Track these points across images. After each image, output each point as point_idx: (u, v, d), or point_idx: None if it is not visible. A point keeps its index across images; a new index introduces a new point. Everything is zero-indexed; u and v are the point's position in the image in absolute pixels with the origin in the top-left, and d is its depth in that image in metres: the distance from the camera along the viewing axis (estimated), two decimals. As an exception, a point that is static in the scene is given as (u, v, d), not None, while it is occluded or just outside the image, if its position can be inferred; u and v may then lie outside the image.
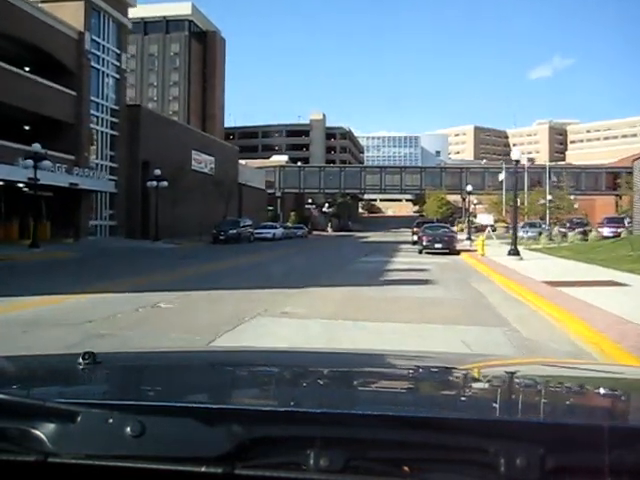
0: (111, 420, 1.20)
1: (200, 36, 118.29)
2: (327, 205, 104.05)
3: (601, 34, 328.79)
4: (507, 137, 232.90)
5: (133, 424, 1.17)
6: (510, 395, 1.77)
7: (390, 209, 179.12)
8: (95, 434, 1.20)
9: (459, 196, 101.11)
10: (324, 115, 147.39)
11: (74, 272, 19.19)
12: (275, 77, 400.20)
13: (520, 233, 47.88)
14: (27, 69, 36.88)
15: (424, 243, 30.87)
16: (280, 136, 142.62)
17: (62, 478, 1.20)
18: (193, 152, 54.99)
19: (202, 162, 56.99)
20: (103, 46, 42.76)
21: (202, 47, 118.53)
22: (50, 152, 35.79)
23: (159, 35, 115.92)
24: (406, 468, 1.12)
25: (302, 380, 1.94)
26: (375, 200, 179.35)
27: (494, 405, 1.62)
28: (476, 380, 1.99)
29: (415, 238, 40.97)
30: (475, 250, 31.72)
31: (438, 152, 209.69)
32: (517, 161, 27.42)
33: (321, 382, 1.93)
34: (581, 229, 45.66)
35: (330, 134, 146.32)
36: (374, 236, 74.08)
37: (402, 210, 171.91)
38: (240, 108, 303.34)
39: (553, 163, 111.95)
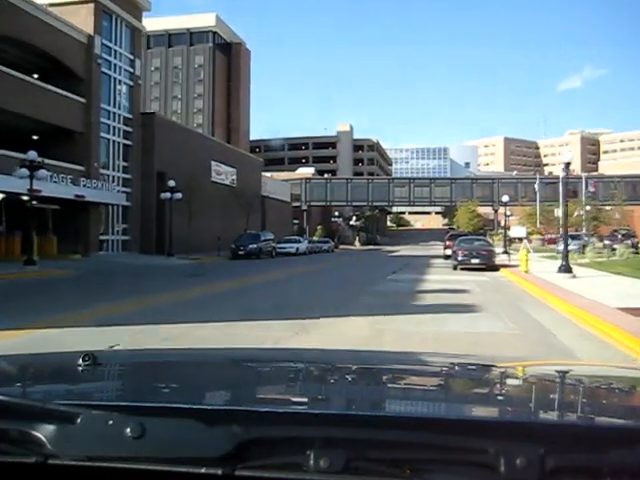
0: (111, 421, 1.21)
1: (224, 48, 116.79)
2: (354, 218, 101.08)
3: (633, 44, 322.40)
4: (538, 148, 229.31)
5: (133, 425, 1.18)
6: (510, 395, 1.80)
7: (419, 222, 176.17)
8: (95, 435, 1.20)
9: (489, 208, 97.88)
10: (351, 127, 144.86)
11: (51, 296, 16.42)
12: (302, 89, 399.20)
13: (562, 246, 44.68)
14: (35, 76, 34.76)
15: (459, 258, 27.85)
16: (307, 148, 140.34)
17: (62, 479, 1.21)
18: (213, 163, 52.53)
19: (222, 173, 54.53)
20: (115, 51, 40.44)
21: (227, 59, 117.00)
22: (56, 162, 33.58)
23: (183, 47, 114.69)
24: (406, 468, 1.13)
25: (302, 380, 1.96)
26: (403, 213, 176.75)
27: (494, 405, 1.66)
28: (476, 381, 1.99)
29: (448, 252, 38.11)
30: (516, 265, 28.71)
31: (467, 164, 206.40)
32: (568, 163, 24.37)
33: (321, 382, 1.93)
34: (629, 241, 42.27)
35: (358, 146, 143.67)
36: (403, 250, 71.07)
37: (431, 223, 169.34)
38: (266, 120, 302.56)
39: (586, 173, 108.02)
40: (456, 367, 2.17)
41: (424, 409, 1.61)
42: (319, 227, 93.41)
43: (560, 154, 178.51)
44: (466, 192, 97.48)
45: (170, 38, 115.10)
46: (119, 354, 2.58)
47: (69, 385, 1.79)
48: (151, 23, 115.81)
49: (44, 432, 1.20)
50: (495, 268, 27.76)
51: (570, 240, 47.05)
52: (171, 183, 37.29)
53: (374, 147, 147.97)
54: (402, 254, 55.89)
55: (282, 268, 30.47)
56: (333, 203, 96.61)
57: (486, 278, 23.37)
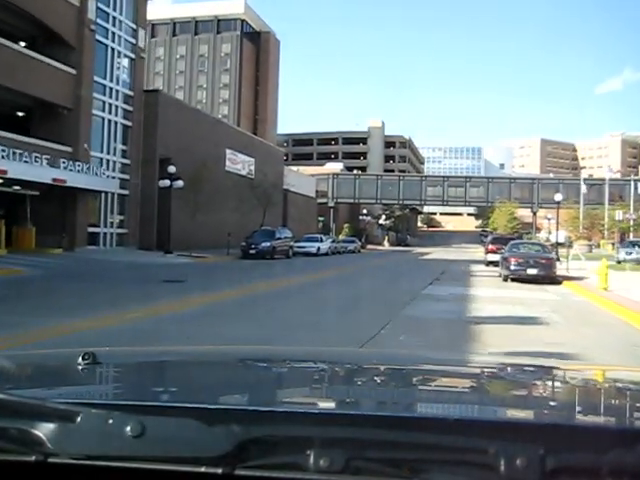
0: (111, 420, 1.20)
1: (253, 37, 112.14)
2: (384, 217, 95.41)
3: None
4: (575, 150, 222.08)
5: (133, 424, 1.17)
6: (510, 395, 1.80)
7: (450, 223, 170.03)
8: (95, 434, 1.20)
9: (526, 210, 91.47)
10: (383, 123, 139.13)
11: None
12: (332, 83, 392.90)
13: (621, 254, 38.90)
14: (22, 44, 29.97)
15: (512, 267, 22.27)
16: (336, 144, 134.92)
17: (62, 478, 1.21)
18: (227, 151, 47.38)
19: (239, 163, 49.38)
20: (114, 18, 35.33)
21: (255, 48, 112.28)
22: (34, 141, 28.72)
23: (209, 35, 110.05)
24: (406, 468, 1.13)
25: (302, 380, 1.94)
26: (435, 213, 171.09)
27: (494, 405, 1.66)
28: (476, 381, 2.01)
29: (491, 258, 32.67)
30: (579, 278, 23.19)
31: (502, 165, 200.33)
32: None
33: (322, 382, 1.93)
34: None
35: (389, 142, 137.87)
36: (435, 252, 65.50)
37: (464, 225, 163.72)
38: (295, 114, 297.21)
39: (635, 176, 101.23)
40: (456, 367, 2.18)
41: (424, 409, 1.61)
42: (346, 225, 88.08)
43: (599, 157, 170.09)
44: (503, 193, 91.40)
45: (197, 25, 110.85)
46: (119, 353, 2.37)
47: (69, 383, 1.78)
48: (177, 9, 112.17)
49: (44, 431, 1.19)
50: (556, 281, 22.28)
51: (630, 247, 41.26)
52: (171, 169, 32.21)
53: (406, 144, 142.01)
54: (435, 257, 50.41)
55: (294, 273, 25.38)
56: (361, 200, 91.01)
57: (553, 296, 17.88)
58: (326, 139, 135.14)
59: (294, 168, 76.42)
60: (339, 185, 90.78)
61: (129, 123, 36.48)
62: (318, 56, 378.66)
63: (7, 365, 1.90)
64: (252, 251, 36.01)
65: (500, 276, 23.62)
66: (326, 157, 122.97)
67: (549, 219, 78.99)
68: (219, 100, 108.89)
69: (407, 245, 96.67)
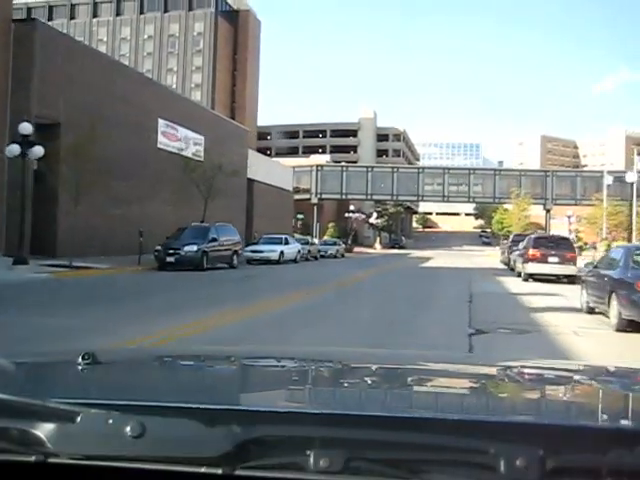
0: (111, 420, 1.20)
1: (230, 15, 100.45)
2: (375, 215, 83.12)
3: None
4: (576, 147, 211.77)
5: (133, 424, 1.17)
6: (510, 395, 1.80)
7: (447, 224, 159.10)
8: (95, 434, 1.20)
9: (535, 208, 79.00)
10: (375, 113, 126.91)
11: None
12: (321, 72, 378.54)
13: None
14: None
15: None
16: (324, 136, 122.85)
17: (62, 478, 1.21)
18: (161, 122, 34.97)
19: (179, 140, 37.07)
20: None
21: (232, 28, 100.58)
22: None
23: (180, 12, 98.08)
24: (406, 469, 1.14)
25: (302, 380, 1.94)
26: (430, 213, 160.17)
27: (494, 405, 1.67)
28: (476, 381, 2.00)
29: (533, 269, 21.30)
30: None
31: (501, 162, 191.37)
32: None
33: (321, 382, 1.94)
34: None
35: (382, 135, 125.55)
36: (436, 256, 53.60)
37: (462, 225, 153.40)
38: (279, 104, 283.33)
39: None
40: (457, 367, 2.18)
41: (424, 409, 1.58)
42: (331, 225, 76.07)
43: (602, 154, 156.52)
44: (512, 187, 79.55)
45: (166, 2, 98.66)
46: (119, 353, 2.46)
47: (69, 383, 1.77)
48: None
49: (43, 431, 1.19)
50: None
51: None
52: (25, 128, 19.83)
53: (400, 137, 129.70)
54: (439, 264, 38.55)
55: (201, 306, 13.40)
56: (350, 196, 78.91)
57: None
58: (313, 131, 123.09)
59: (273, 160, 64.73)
60: (324, 178, 78.86)
61: (-11, 67, 24.18)
62: (306, 42, 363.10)
63: (7, 365, 1.88)
64: (170, 259, 23.84)
65: (591, 311, 11.78)
66: (313, 151, 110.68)
67: (569, 217, 67.20)
68: (191, 85, 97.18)
69: (401, 247, 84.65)
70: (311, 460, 1.11)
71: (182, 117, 37.64)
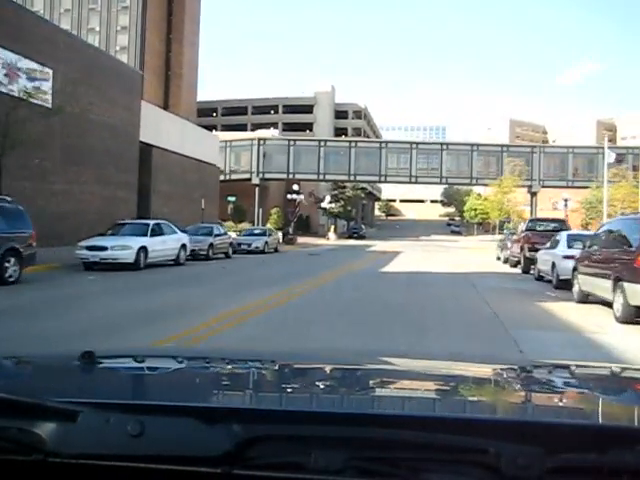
0: (111, 420, 1.21)
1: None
2: (329, 199, 69.44)
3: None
4: (546, 132, 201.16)
5: (132, 424, 1.18)
6: (510, 395, 1.79)
7: (411, 211, 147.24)
8: (95, 434, 1.20)
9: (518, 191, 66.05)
10: (333, 87, 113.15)
11: None
12: (271, 41, 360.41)
13: None
14: None
15: None
16: (276, 112, 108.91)
17: (61, 478, 1.21)
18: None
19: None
20: None
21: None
22: None
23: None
24: (406, 468, 1.14)
25: (302, 380, 1.94)
26: (394, 200, 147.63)
27: (494, 405, 1.66)
28: (476, 381, 1.98)
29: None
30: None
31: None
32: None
33: (321, 382, 1.91)
34: None
35: (340, 112, 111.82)
36: (403, 249, 40.46)
37: (428, 213, 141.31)
38: (226, 79, 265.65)
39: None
40: (457, 367, 2.17)
41: (424, 409, 1.59)
42: (275, 210, 62.40)
43: (572, 139, 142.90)
44: (491, 166, 66.84)
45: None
46: (118, 352, 2.44)
47: (68, 383, 1.76)
48: None
49: (43, 430, 1.20)
50: None
51: None
52: None
53: (361, 114, 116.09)
54: (409, 264, 25.26)
55: None
56: (298, 176, 65.13)
57: None
58: (264, 107, 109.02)
59: (191, 125, 50.92)
60: (268, 155, 65.27)
61: None
62: (256, 12, 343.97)
63: (7, 364, 1.88)
64: None
65: None
66: (263, 128, 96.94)
67: (566, 201, 54.44)
68: (116, 47, 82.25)
69: (361, 237, 71.20)
70: (311, 460, 1.11)
71: (7, 33, 23.45)
